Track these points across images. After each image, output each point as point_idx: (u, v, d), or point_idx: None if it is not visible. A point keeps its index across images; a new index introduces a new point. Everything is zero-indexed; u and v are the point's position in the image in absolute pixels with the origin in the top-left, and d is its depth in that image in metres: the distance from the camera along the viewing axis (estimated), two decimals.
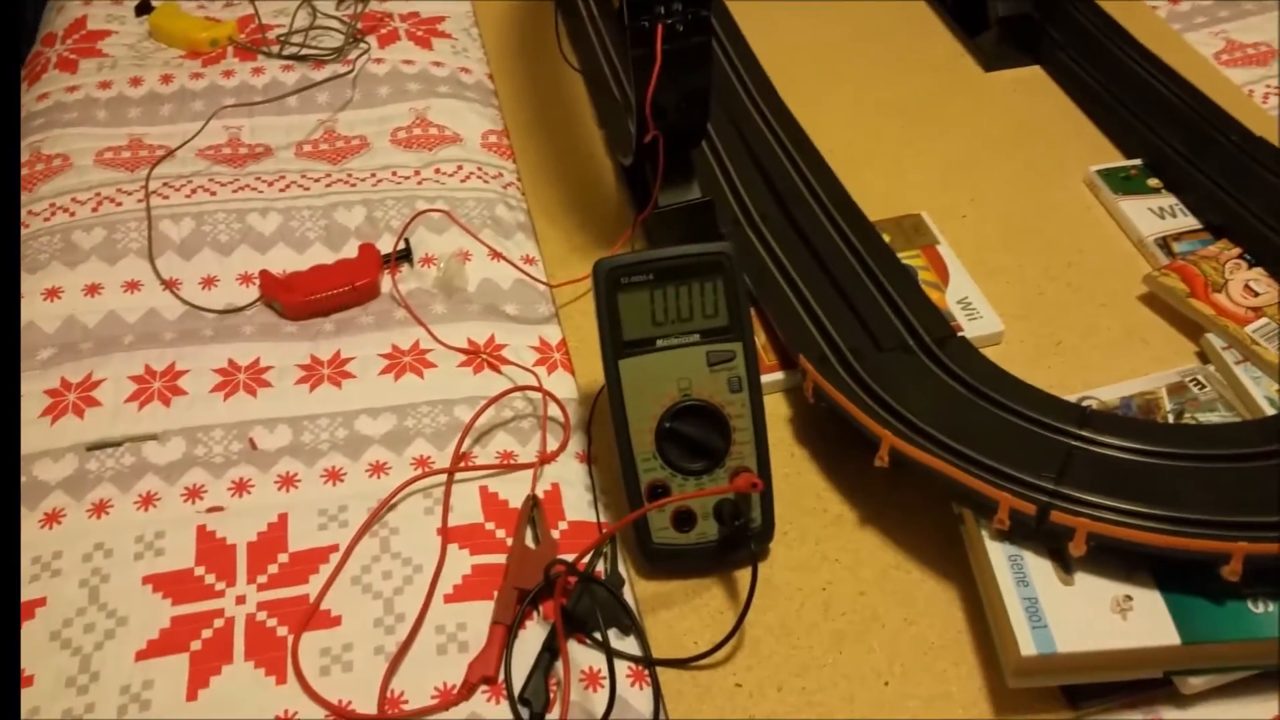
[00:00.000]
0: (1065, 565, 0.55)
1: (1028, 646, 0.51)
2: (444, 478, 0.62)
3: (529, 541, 0.60)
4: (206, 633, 0.54)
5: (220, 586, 0.56)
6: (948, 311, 0.73)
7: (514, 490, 0.63)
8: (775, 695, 0.54)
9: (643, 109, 0.67)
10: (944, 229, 0.79)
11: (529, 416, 0.67)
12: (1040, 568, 0.55)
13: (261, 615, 0.55)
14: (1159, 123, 0.84)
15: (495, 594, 0.57)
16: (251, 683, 0.52)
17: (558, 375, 0.70)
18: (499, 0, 1.01)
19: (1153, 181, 0.82)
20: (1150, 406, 0.65)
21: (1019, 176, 0.85)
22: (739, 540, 0.58)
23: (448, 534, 0.59)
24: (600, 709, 0.52)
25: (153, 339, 0.68)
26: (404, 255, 0.75)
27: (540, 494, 0.62)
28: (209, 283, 0.73)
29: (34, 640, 0.53)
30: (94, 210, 0.76)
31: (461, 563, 0.58)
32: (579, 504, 0.62)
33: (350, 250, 0.75)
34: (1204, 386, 0.65)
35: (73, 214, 0.76)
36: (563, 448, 0.65)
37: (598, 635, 0.56)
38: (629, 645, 0.56)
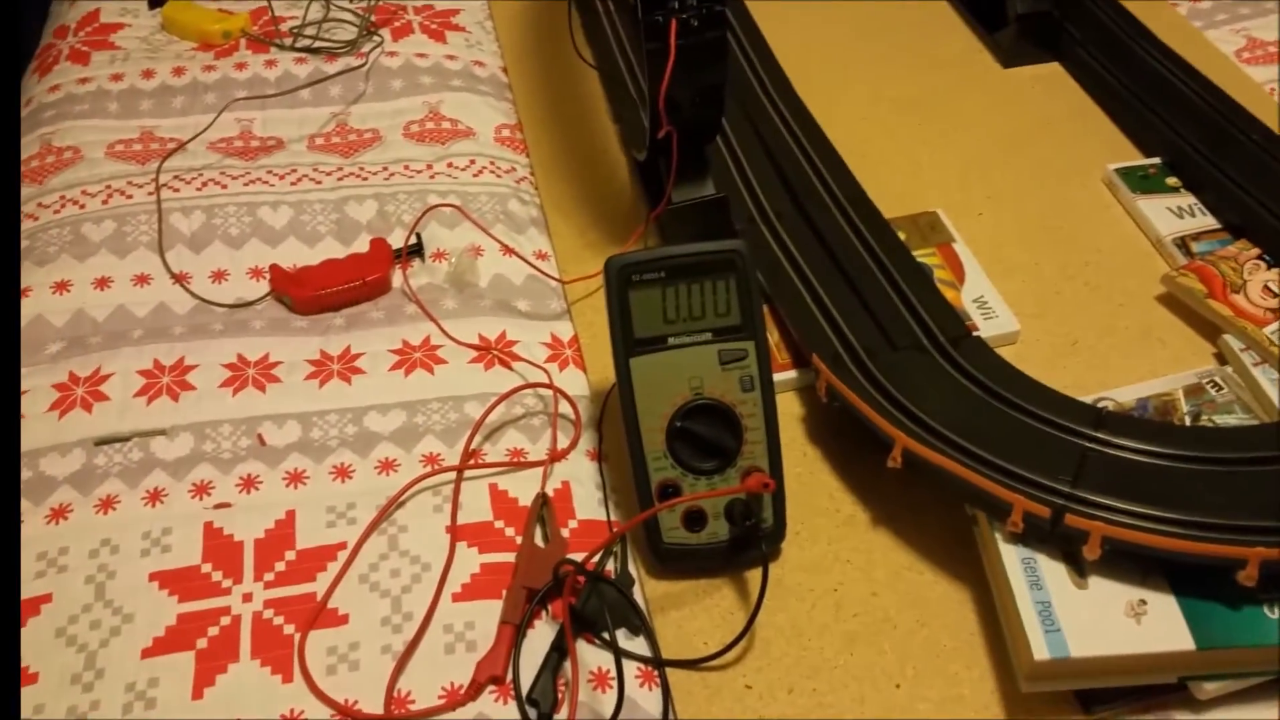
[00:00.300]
0: (1079, 569, 0.54)
1: (1041, 650, 0.51)
2: (453, 475, 0.62)
3: (538, 540, 0.60)
4: (213, 630, 0.54)
5: (227, 584, 0.56)
6: (963, 310, 0.72)
7: (524, 488, 0.62)
8: (786, 697, 0.54)
9: (657, 104, 0.66)
10: (960, 227, 0.78)
11: (540, 414, 0.66)
12: (1054, 571, 0.54)
13: (268, 613, 0.55)
14: (1179, 121, 0.83)
15: (504, 593, 0.57)
16: (258, 681, 0.52)
17: (569, 372, 0.69)
18: None
19: (1171, 180, 0.81)
20: (1167, 408, 0.64)
21: (1037, 174, 0.84)
22: (750, 540, 0.58)
23: (456, 532, 0.59)
24: (609, 710, 0.52)
25: (162, 333, 0.68)
26: (415, 250, 0.75)
27: (550, 492, 0.62)
28: (219, 276, 0.72)
29: (39, 637, 0.53)
30: (104, 203, 0.76)
31: (470, 561, 0.58)
32: (589, 502, 0.62)
33: (361, 244, 0.75)
34: (1222, 389, 0.65)
35: (83, 206, 0.75)
36: (573, 445, 0.65)
37: (607, 635, 0.55)
38: (638, 645, 0.55)
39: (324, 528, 0.59)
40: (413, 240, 0.75)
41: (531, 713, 0.52)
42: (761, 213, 0.78)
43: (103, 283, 0.71)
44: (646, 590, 0.58)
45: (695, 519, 0.58)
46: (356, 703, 0.52)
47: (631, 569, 0.59)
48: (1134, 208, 0.80)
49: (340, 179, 0.79)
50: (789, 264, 0.74)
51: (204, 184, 0.78)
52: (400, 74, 0.88)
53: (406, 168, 0.81)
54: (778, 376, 0.67)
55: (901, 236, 0.76)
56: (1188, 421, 0.63)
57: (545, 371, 0.68)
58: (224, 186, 0.77)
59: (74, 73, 0.88)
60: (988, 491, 0.55)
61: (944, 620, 0.57)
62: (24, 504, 0.59)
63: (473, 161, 0.82)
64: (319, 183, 0.79)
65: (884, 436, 0.59)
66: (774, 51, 0.93)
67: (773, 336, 0.70)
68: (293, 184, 0.78)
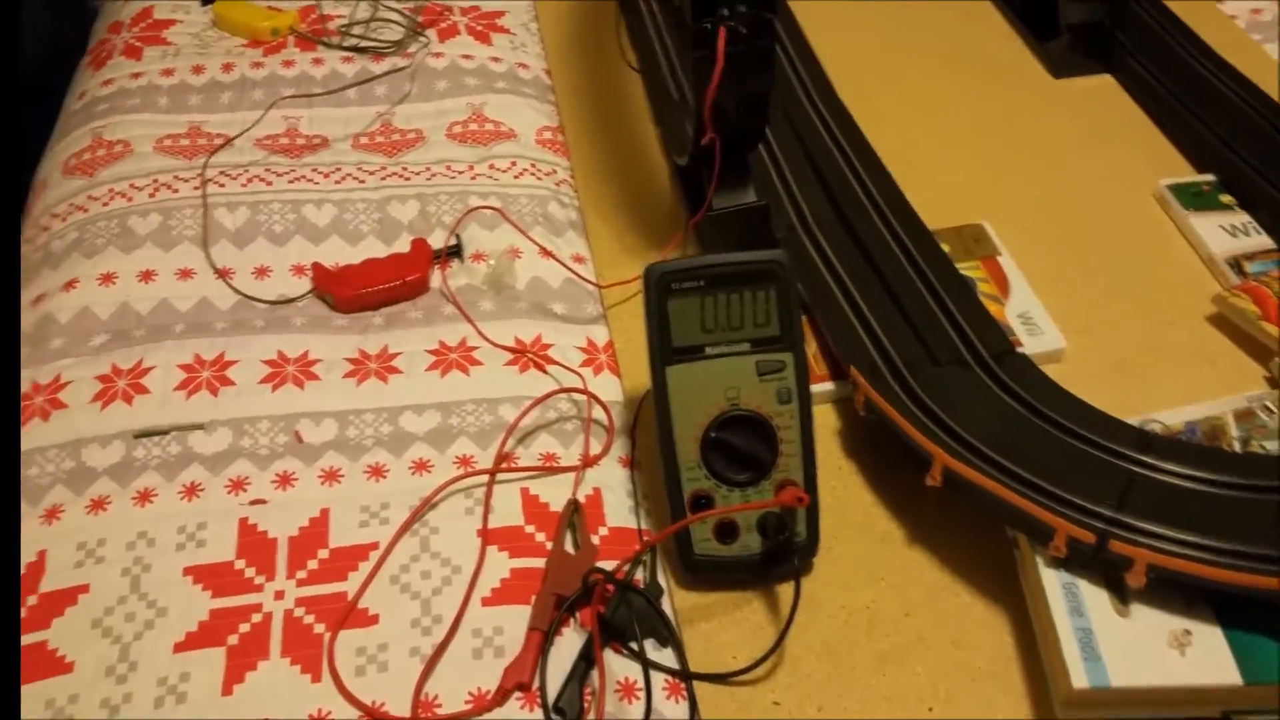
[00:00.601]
0: (1122, 596, 0.53)
1: (1080, 679, 0.50)
2: (485, 478, 0.62)
3: (568, 546, 0.60)
4: (244, 627, 0.54)
5: (260, 581, 0.56)
6: (1007, 325, 0.71)
7: (555, 493, 0.62)
8: (815, 715, 0.53)
9: (702, 111, 0.66)
10: (1006, 239, 0.77)
11: (573, 418, 0.66)
12: (1096, 597, 0.53)
13: (299, 611, 0.55)
14: (1234, 136, 0.81)
15: (533, 599, 0.56)
16: (287, 680, 0.52)
17: (603, 377, 0.69)
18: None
19: (1225, 198, 0.79)
20: (1215, 433, 0.62)
21: (1086, 188, 0.83)
22: (782, 554, 0.57)
23: (487, 535, 0.59)
24: None
25: (204, 328, 0.69)
26: (455, 251, 0.75)
27: (581, 498, 0.62)
28: (262, 273, 0.73)
29: (76, 626, 0.54)
30: (151, 196, 0.76)
31: (500, 565, 0.58)
32: (620, 509, 0.62)
33: (403, 244, 0.75)
34: (1273, 413, 0.63)
35: (130, 199, 0.76)
36: (605, 451, 0.64)
37: (635, 645, 0.55)
38: (666, 657, 0.55)
39: (357, 527, 0.59)
40: (452, 241, 0.75)
41: None
42: (802, 220, 0.77)
43: (147, 275, 0.71)
44: (675, 601, 0.58)
45: (727, 531, 0.58)
46: (384, 705, 0.52)
47: (661, 579, 0.59)
48: (1186, 225, 0.78)
49: (383, 178, 0.80)
50: (829, 273, 0.73)
51: (249, 180, 0.78)
52: (445, 75, 0.89)
53: (448, 168, 0.81)
54: (815, 388, 0.66)
55: (945, 248, 0.75)
56: (1237, 447, 0.61)
57: (580, 376, 0.68)
58: (269, 183, 0.78)
59: (127, 67, 0.89)
60: (1030, 514, 0.54)
61: (980, 642, 0.56)
62: (65, 493, 0.60)
63: (514, 163, 0.82)
64: (362, 182, 0.79)
65: (923, 453, 0.58)
66: (817, 55, 0.92)
67: (810, 347, 0.69)
68: (337, 182, 0.79)
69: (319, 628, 0.55)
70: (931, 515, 0.61)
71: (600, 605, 0.56)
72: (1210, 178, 0.81)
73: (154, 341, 0.67)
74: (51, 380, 0.65)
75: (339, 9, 0.95)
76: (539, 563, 0.58)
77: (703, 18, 0.62)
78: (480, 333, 0.70)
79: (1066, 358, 0.70)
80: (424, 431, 0.64)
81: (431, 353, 0.69)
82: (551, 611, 0.56)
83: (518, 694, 0.53)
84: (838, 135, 0.83)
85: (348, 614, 0.55)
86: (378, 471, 0.62)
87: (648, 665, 0.54)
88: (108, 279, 0.71)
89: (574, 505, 0.61)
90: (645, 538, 0.60)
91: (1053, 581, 0.53)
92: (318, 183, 0.79)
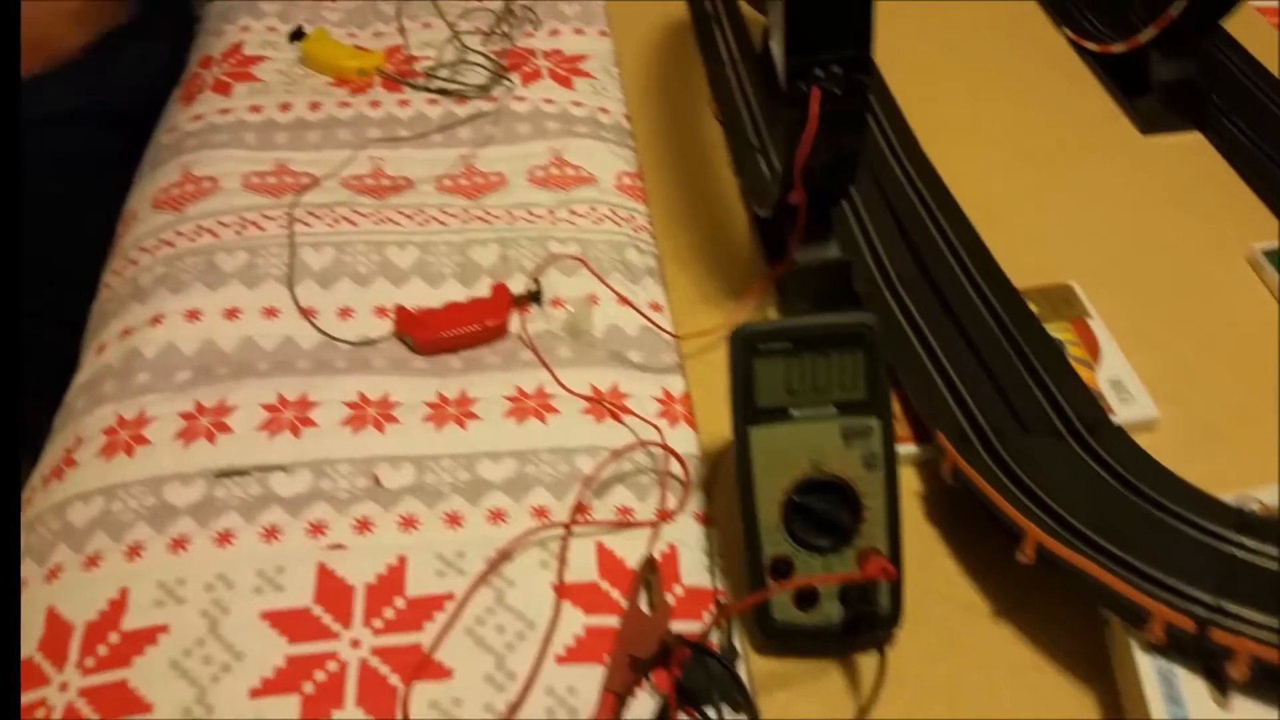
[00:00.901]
0: (1221, 686, 0.50)
1: None
2: (561, 531, 0.61)
3: (643, 605, 0.59)
4: (320, 675, 0.54)
5: (336, 628, 0.56)
6: (1098, 391, 0.69)
7: (630, 548, 0.61)
8: None
9: (790, 171, 0.65)
10: (1095, 301, 0.75)
11: (648, 471, 0.65)
12: (1194, 686, 0.51)
13: (375, 661, 0.55)
14: None
15: (607, 659, 0.56)
16: None
17: (680, 429, 0.68)
18: (641, 39, 1.01)
19: None
20: None
21: (1178, 249, 0.81)
22: (864, 625, 0.56)
23: (563, 591, 0.58)
24: None
25: (287, 367, 0.69)
26: (534, 296, 0.75)
27: (656, 555, 0.61)
28: (345, 313, 0.73)
29: (155, 668, 0.54)
30: (238, 233, 0.77)
31: (575, 622, 0.57)
32: (695, 568, 0.61)
33: (483, 288, 0.75)
34: None
35: (217, 236, 0.77)
36: (681, 507, 0.64)
37: (710, 712, 0.54)
38: None
39: (433, 576, 0.59)
40: (532, 287, 0.75)
41: None
42: (884, 275, 0.76)
43: (232, 313, 0.72)
44: (752, 666, 0.57)
45: (807, 597, 0.56)
46: None
47: (736, 642, 0.57)
48: None
49: (465, 221, 0.80)
50: (912, 331, 0.72)
51: (335, 220, 0.79)
52: (527, 119, 0.89)
53: (529, 212, 0.81)
54: (897, 450, 0.65)
55: (1033, 308, 0.73)
56: None
57: (656, 428, 0.67)
58: (354, 224, 0.79)
59: (216, 103, 0.91)
60: (1126, 596, 0.52)
61: None
62: (147, 530, 0.60)
63: (593, 208, 0.82)
64: (445, 224, 0.80)
65: (1015, 528, 0.56)
66: (899, 101, 0.91)
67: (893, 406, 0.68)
68: (420, 225, 0.79)
69: (394, 679, 0.54)
70: (1019, 588, 0.59)
71: (676, 669, 0.55)
72: None
73: (238, 379, 0.68)
74: (136, 415, 0.66)
75: (425, 50, 0.96)
76: (614, 621, 0.57)
77: (797, 79, 0.61)
78: (557, 380, 0.70)
79: (1159, 426, 0.68)
80: (500, 479, 0.64)
81: (509, 399, 0.69)
82: (626, 673, 0.55)
83: None
84: (920, 187, 0.82)
85: (422, 665, 0.55)
86: (454, 519, 0.62)
87: None
88: (193, 315, 0.72)
89: (650, 564, 0.60)
90: (720, 598, 0.59)
91: (1148, 667, 0.51)
92: (401, 225, 0.79)
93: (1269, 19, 1.02)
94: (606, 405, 0.69)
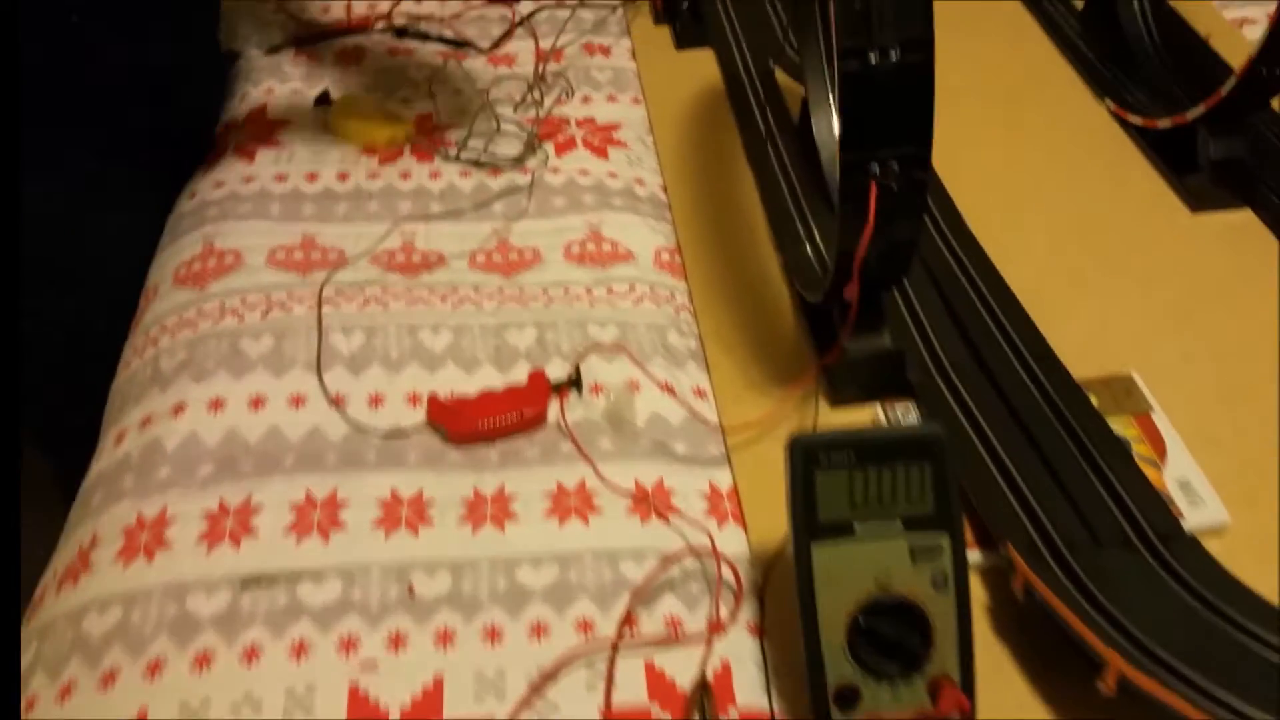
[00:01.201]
0: None
1: None
2: (608, 649, 0.58)
3: None
4: None
5: None
6: (1166, 494, 0.65)
7: (681, 666, 0.58)
8: None
9: (846, 265, 0.62)
10: (1156, 392, 0.72)
11: (698, 578, 0.62)
12: None
13: None
14: None
15: None
16: None
17: (729, 529, 0.65)
18: (674, 107, 0.98)
19: None
20: None
21: (1236, 334, 0.77)
22: None
23: (612, 716, 0.55)
24: None
25: (315, 461, 0.66)
26: (573, 383, 0.72)
27: (709, 673, 0.57)
28: (376, 401, 0.70)
29: None
30: (263, 316, 0.74)
31: None
32: (751, 686, 0.57)
33: (519, 373, 0.72)
34: None
35: (242, 318, 0.74)
36: (734, 617, 0.60)
37: None
38: None
39: (472, 700, 0.55)
40: (571, 373, 0.72)
41: None
42: (938, 364, 0.73)
43: (258, 402, 0.69)
44: None
45: None
46: None
47: None
48: None
49: (500, 302, 0.77)
50: (970, 426, 0.69)
51: (365, 302, 0.76)
52: (562, 191, 0.86)
53: (566, 291, 0.78)
54: None
55: (1093, 401, 0.70)
56: None
57: (705, 530, 0.64)
58: (385, 306, 0.76)
59: (239, 169, 0.88)
60: None
61: None
62: (169, 644, 0.57)
63: (632, 287, 0.79)
64: (480, 305, 0.77)
65: (1094, 655, 0.53)
66: (945, 184, 0.89)
67: None
68: (454, 306, 0.76)
69: None
70: (1095, 712, 0.56)
71: None
72: None
73: (263, 475, 0.65)
74: (158, 515, 0.63)
75: (456, 118, 0.93)
76: None
77: (853, 174, 0.59)
78: (600, 475, 0.66)
79: (1230, 531, 0.65)
80: (542, 587, 0.61)
81: (549, 496, 0.65)
82: None
83: None
84: (970, 269, 0.79)
85: None
86: (494, 635, 0.58)
87: None
88: (217, 404, 0.69)
89: (703, 686, 0.57)
90: None
91: None
92: (435, 306, 0.76)
93: None
94: (652, 504, 0.65)
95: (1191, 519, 0.64)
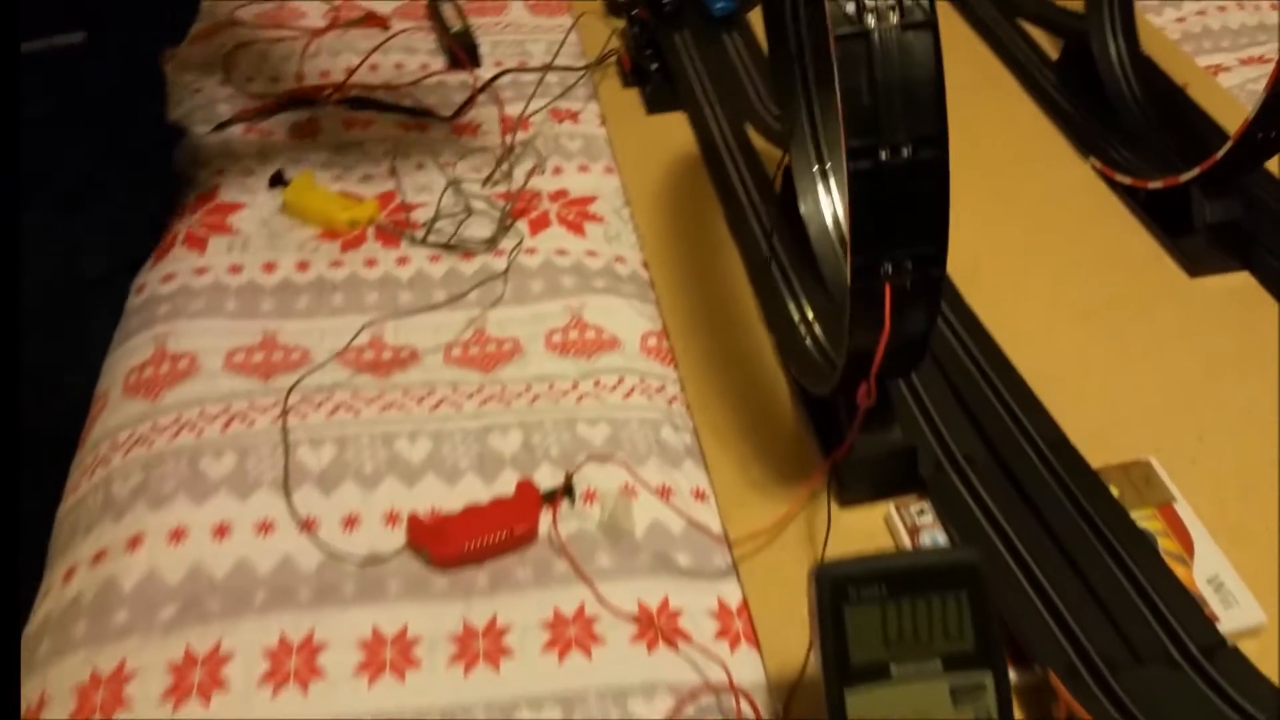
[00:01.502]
0: None
1: None
2: None
3: None
4: None
5: None
6: (1199, 595, 0.62)
7: None
8: None
9: (856, 363, 0.58)
10: (1175, 477, 0.69)
11: (713, 710, 0.57)
12: None
13: None
14: None
15: None
16: None
17: (742, 652, 0.60)
18: (650, 175, 0.94)
19: None
20: None
21: (1249, 408, 0.75)
22: None
23: None
24: None
25: (288, 597, 0.60)
26: (565, 493, 0.67)
27: None
28: (350, 523, 0.65)
29: None
30: (224, 430, 0.69)
31: None
32: None
33: (505, 482, 0.67)
34: None
35: (200, 433, 0.68)
36: None
37: None
38: None
39: None
40: (562, 481, 0.67)
41: None
42: (949, 456, 0.69)
43: (222, 530, 0.63)
44: None
45: None
46: None
47: None
48: None
49: (481, 403, 0.72)
50: (989, 524, 0.65)
51: (334, 409, 0.70)
52: (540, 274, 0.82)
53: (551, 386, 0.74)
54: None
55: (1114, 492, 0.67)
56: None
57: (718, 659, 0.59)
58: (356, 413, 0.70)
59: (190, 260, 0.82)
60: None
61: None
62: None
63: (621, 380, 0.74)
64: (459, 407, 0.71)
65: None
66: None
67: None
68: (431, 409, 0.71)
69: None
70: None
71: None
72: None
73: (232, 616, 0.59)
74: (115, 668, 0.57)
75: (422, 195, 0.88)
76: None
77: (866, 278, 0.54)
78: (600, 597, 0.61)
79: (1266, 632, 0.61)
80: None
81: (546, 626, 0.60)
82: None
83: None
84: (975, 353, 0.75)
85: None
86: None
87: None
88: (177, 535, 0.63)
89: None
90: None
91: None
92: (410, 410, 0.71)
93: None
94: (659, 629, 0.60)
95: (1228, 622, 0.61)
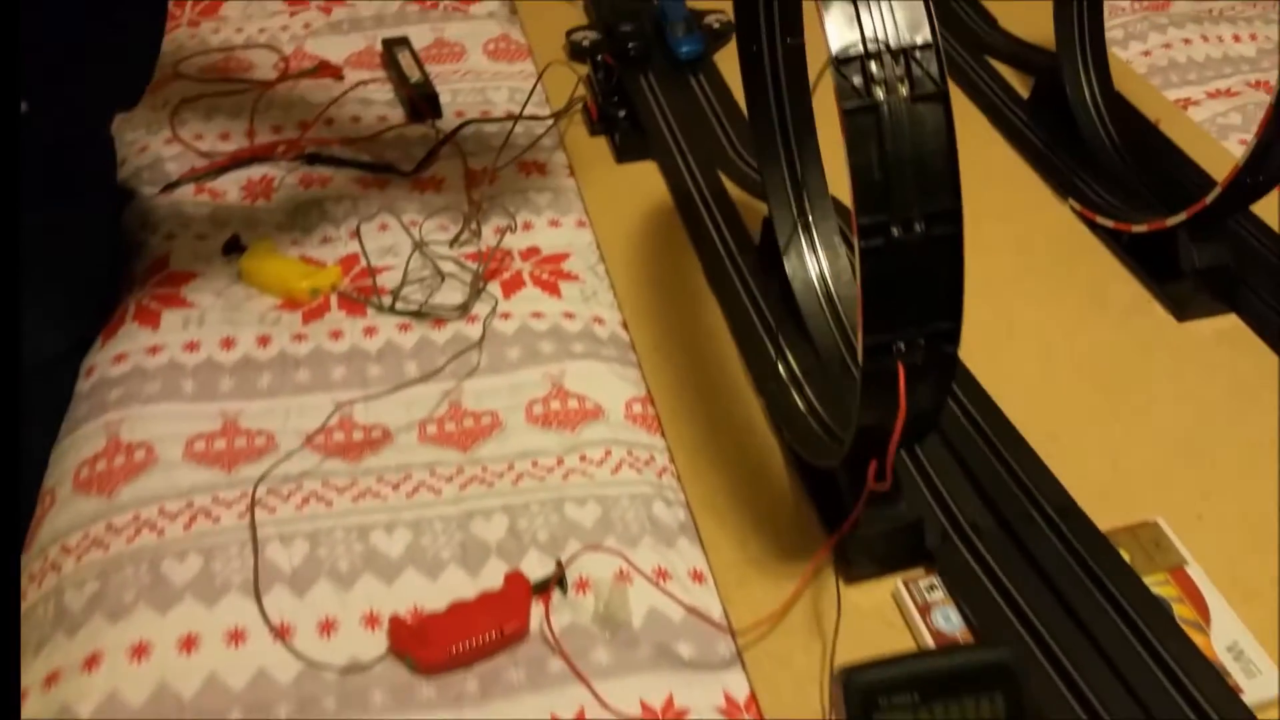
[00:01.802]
0: None
1: None
2: None
3: None
4: None
5: None
6: (1219, 665, 0.60)
7: None
8: None
9: (867, 443, 0.56)
10: (1184, 537, 0.67)
11: None
12: None
13: None
14: None
15: None
16: None
17: None
18: (623, 228, 0.91)
19: None
20: None
21: (1253, 458, 0.73)
22: None
23: None
24: None
25: (265, 714, 0.56)
26: (557, 583, 0.63)
27: None
28: (327, 627, 0.60)
29: None
30: (186, 528, 0.64)
31: None
32: None
33: (492, 573, 0.63)
34: None
35: (161, 533, 0.64)
36: None
37: None
38: None
39: None
40: (553, 570, 0.63)
41: None
42: (955, 526, 0.66)
43: (189, 643, 0.58)
44: None
45: None
46: None
47: None
48: None
49: (462, 486, 0.68)
50: (1001, 597, 0.62)
51: (304, 500, 0.66)
52: (516, 340, 0.78)
53: (535, 464, 0.70)
54: None
55: (1125, 556, 0.65)
56: None
57: None
58: (328, 504, 0.66)
59: (142, 338, 0.77)
60: None
61: None
62: None
63: (608, 453, 0.71)
64: (438, 492, 0.67)
65: None
66: None
67: None
68: (408, 495, 0.67)
69: None
70: None
71: None
72: None
73: None
74: None
75: (387, 258, 0.84)
76: None
77: (879, 358, 0.52)
78: (600, 699, 0.58)
79: None
80: None
81: None
82: None
83: None
84: (975, 415, 0.73)
85: None
86: None
87: None
88: (140, 651, 0.58)
89: None
90: None
91: None
92: (386, 497, 0.67)
93: None
94: None
95: (1251, 693, 0.59)
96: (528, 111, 0.99)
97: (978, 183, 0.94)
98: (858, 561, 0.64)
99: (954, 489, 0.68)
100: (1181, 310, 0.84)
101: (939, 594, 0.63)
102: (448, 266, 0.83)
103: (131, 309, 0.80)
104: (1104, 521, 0.67)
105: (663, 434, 0.74)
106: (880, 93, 0.47)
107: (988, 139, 1.03)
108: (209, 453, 0.69)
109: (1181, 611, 0.63)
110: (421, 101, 0.98)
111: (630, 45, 1.04)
